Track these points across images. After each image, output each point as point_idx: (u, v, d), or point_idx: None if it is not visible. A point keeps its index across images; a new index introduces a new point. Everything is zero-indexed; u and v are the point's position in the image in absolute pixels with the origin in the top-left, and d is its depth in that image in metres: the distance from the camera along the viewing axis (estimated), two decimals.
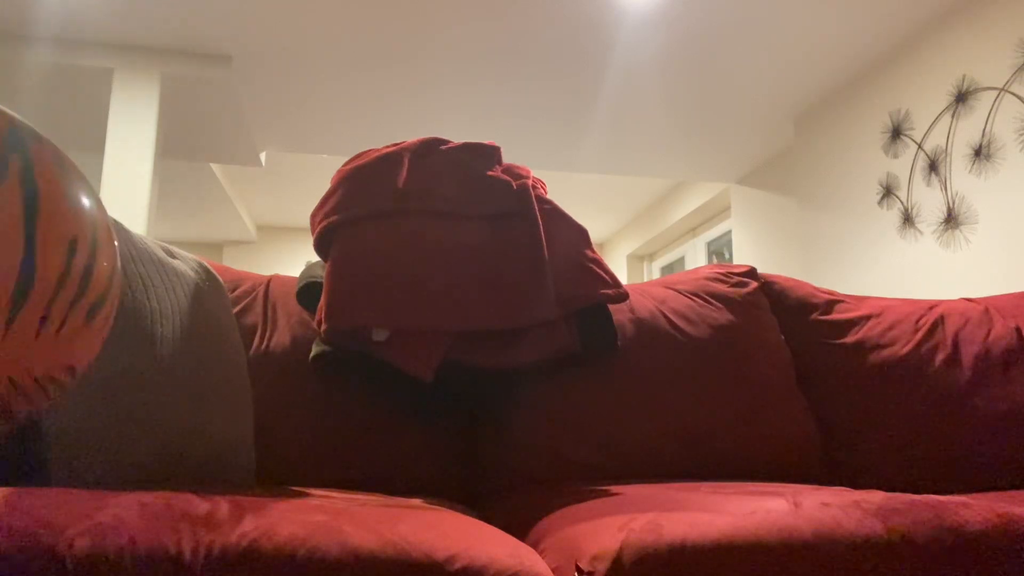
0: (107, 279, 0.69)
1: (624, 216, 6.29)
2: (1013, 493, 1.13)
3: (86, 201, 0.68)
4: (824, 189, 3.61)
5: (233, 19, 3.03)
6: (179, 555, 0.55)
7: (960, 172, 2.79)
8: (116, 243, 0.73)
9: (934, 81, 2.94)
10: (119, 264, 0.74)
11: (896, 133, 3.12)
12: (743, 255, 4.60)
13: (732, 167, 4.53)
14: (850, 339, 1.39)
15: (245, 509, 0.62)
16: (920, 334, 1.41)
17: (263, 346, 1.17)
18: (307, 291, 1.20)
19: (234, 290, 1.23)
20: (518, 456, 1.18)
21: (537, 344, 1.13)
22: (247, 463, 0.96)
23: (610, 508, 0.77)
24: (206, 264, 1.01)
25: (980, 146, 2.71)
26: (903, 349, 1.38)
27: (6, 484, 0.64)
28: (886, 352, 1.37)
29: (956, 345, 1.40)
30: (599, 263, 1.21)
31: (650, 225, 5.98)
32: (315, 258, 4.09)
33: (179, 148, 4.13)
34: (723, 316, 1.34)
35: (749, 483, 1.05)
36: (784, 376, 1.33)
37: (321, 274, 1.19)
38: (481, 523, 0.75)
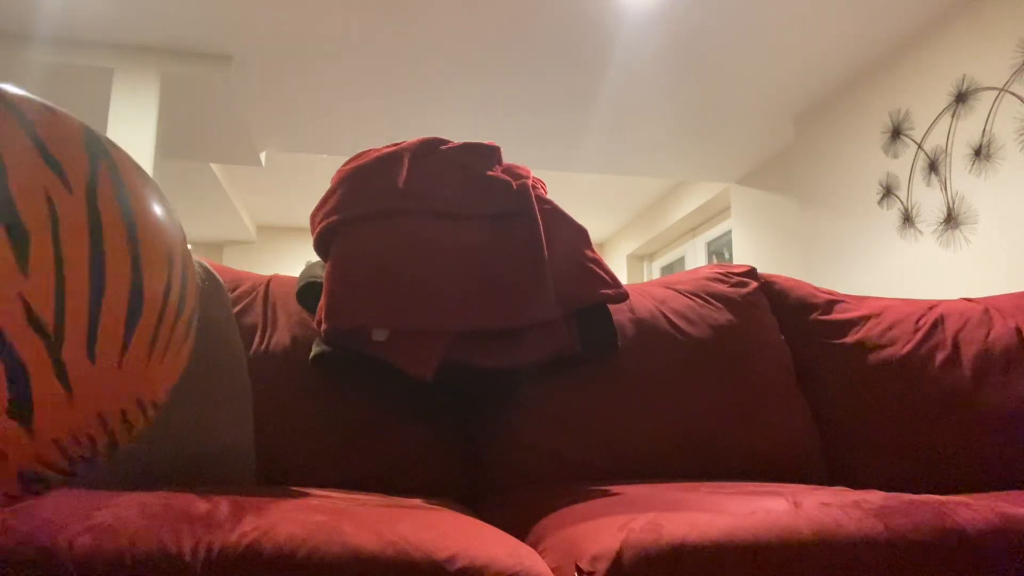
0: (195, 290, 0.67)
1: (624, 216, 6.29)
2: (1013, 493, 1.13)
3: (165, 210, 0.64)
4: (824, 189, 3.61)
5: (233, 19, 3.03)
6: (179, 555, 0.55)
7: (960, 172, 2.79)
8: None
9: (934, 81, 2.94)
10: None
11: (896, 133, 3.12)
12: (743, 255, 4.60)
13: (732, 167, 4.53)
14: (850, 339, 1.39)
15: (245, 509, 0.62)
16: (920, 334, 1.41)
17: (263, 346, 1.17)
18: (307, 291, 1.20)
19: (234, 290, 1.23)
20: (518, 456, 1.18)
21: (537, 344, 1.13)
22: (247, 463, 0.96)
23: (610, 508, 0.77)
24: (206, 264, 1.01)
25: (980, 146, 2.71)
26: (903, 349, 1.38)
27: None
28: (886, 352, 1.37)
29: (956, 345, 1.40)
30: (599, 263, 1.21)
31: (650, 225, 5.98)
32: (315, 258, 4.09)
33: (179, 148, 4.13)
34: (723, 316, 1.34)
35: (749, 483, 1.05)
36: (784, 376, 1.33)
37: (321, 274, 1.19)
38: (481, 523, 0.75)
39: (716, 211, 5.27)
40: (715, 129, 4.01)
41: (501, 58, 3.30)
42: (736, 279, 1.43)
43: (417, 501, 0.91)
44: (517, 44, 3.19)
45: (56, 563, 0.53)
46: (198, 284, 0.77)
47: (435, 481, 1.16)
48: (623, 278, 6.51)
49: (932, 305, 1.50)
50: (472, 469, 1.21)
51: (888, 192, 3.16)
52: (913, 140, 3.03)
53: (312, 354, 1.13)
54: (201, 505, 0.61)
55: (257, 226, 6.66)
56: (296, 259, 6.68)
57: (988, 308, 1.49)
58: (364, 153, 1.17)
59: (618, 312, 1.30)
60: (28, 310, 0.51)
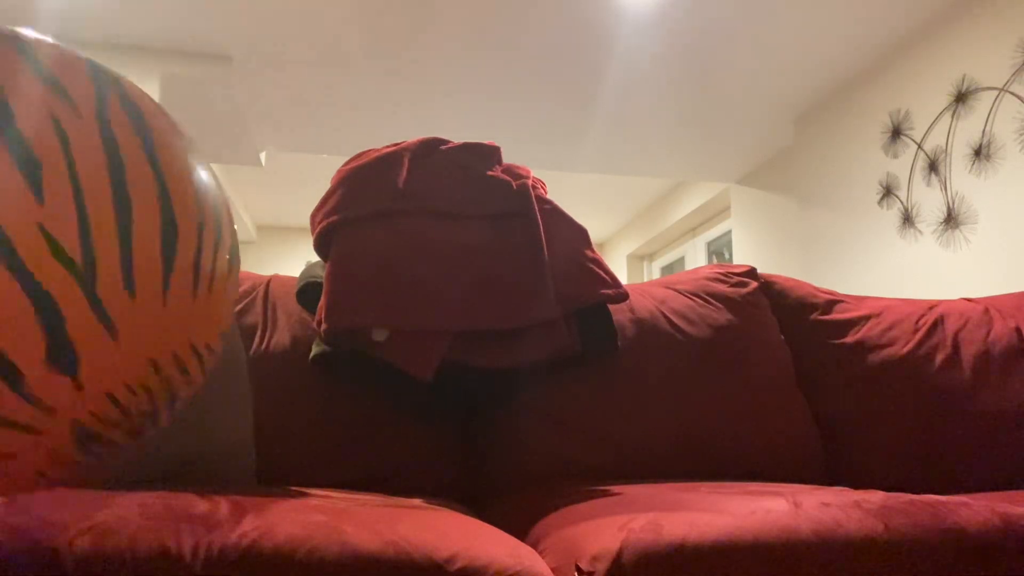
0: (231, 221, 0.62)
1: (624, 216, 6.29)
2: (1013, 493, 1.13)
3: (185, 138, 0.60)
4: (824, 189, 3.61)
5: (233, 19, 3.03)
6: (179, 555, 0.55)
7: (960, 172, 2.79)
8: None
9: (934, 81, 2.94)
10: None
11: (896, 133, 3.12)
12: (743, 255, 4.60)
13: (732, 167, 4.53)
14: (850, 339, 1.39)
15: (245, 509, 0.62)
16: (920, 334, 1.41)
17: (263, 346, 1.17)
18: (307, 291, 1.20)
19: None
20: (518, 456, 1.18)
21: (537, 344, 1.13)
22: (247, 463, 0.97)
23: (610, 508, 0.77)
24: None
25: (980, 146, 2.71)
26: (903, 349, 1.38)
27: None
28: (886, 352, 1.37)
29: (956, 345, 1.40)
30: (599, 263, 1.21)
31: (650, 225, 5.98)
32: (315, 258, 4.08)
33: None
34: (723, 316, 1.34)
35: (749, 483, 1.05)
36: (784, 376, 1.33)
37: (321, 274, 1.19)
38: (481, 523, 0.75)
39: (716, 211, 5.27)
40: (715, 129, 4.01)
41: (501, 58, 3.30)
42: (736, 279, 1.43)
43: (417, 501, 0.91)
44: (518, 45, 3.19)
45: (56, 563, 0.53)
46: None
47: (435, 481, 1.16)
48: (623, 278, 6.51)
49: (932, 305, 1.50)
50: (472, 469, 1.21)
51: (888, 192, 3.16)
52: (913, 140, 3.03)
53: (312, 354, 1.13)
54: (201, 505, 0.61)
55: (257, 226, 6.66)
56: (296, 259, 6.68)
57: (988, 308, 1.49)
58: (364, 153, 1.17)
59: (618, 312, 1.30)
60: (50, 240, 0.47)
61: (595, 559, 0.64)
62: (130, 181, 0.51)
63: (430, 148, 1.17)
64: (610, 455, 1.18)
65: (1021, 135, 2.55)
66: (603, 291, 1.18)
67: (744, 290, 1.41)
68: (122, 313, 0.50)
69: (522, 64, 3.36)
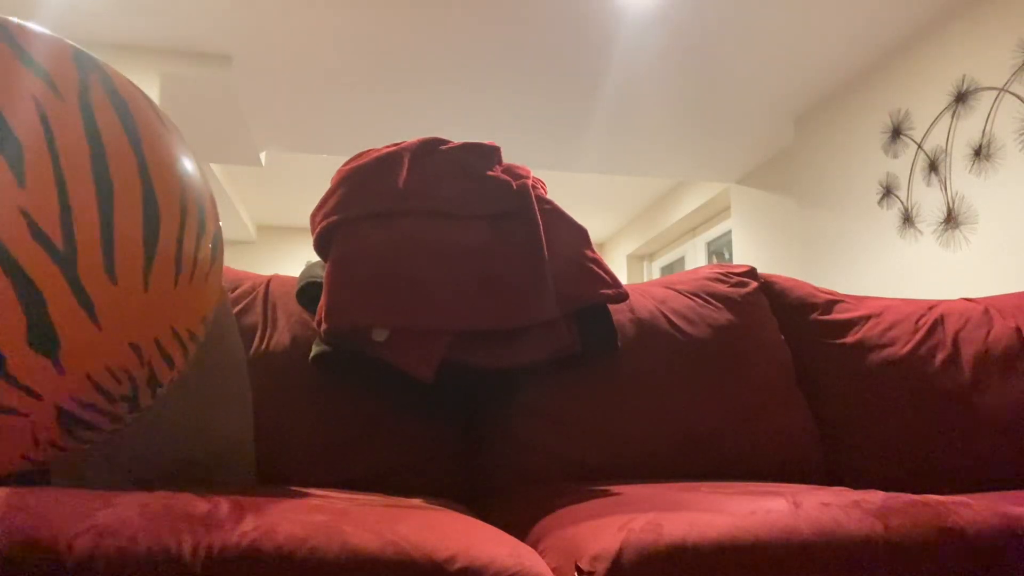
0: (215, 209, 0.62)
1: (624, 216, 6.29)
2: (1013, 493, 1.13)
3: (167, 124, 0.60)
4: (824, 189, 3.61)
5: (233, 19, 3.03)
6: (179, 555, 0.55)
7: (960, 172, 2.79)
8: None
9: (934, 81, 2.94)
10: None
11: (896, 133, 3.12)
12: (743, 255, 4.60)
13: (732, 167, 4.53)
14: (850, 339, 1.39)
15: (245, 509, 0.62)
16: (920, 334, 1.41)
17: (263, 346, 1.17)
18: (307, 291, 1.20)
19: (234, 290, 1.23)
20: (518, 456, 1.18)
21: (537, 344, 1.13)
22: (247, 463, 0.96)
23: (610, 508, 0.77)
24: None
25: (980, 146, 2.71)
26: (903, 349, 1.38)
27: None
28: (886, 352, 1.37)
29: (956, 345, 1.40)
30: (599, 263, 1.21)
31: (650, 225, 5.98)
32: (315, 258, 4.09)
33: None
34: (723, 316, 1.34)
35: (749, 483, 1.05)
36: (784, 376, 1.33)
37: (321, 274, 1.19)
38: (481, 523, 0.75)
39: (716, 211, 5.27)
40: (715, 129, 4.01)
41: (501, 58, 3.30)
42: (736, 279, 1.43)
43: (417, 501, 0.91)
44: (517, 44, 3.19)
45: (56, 563, 0.53)
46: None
47: (435, 481, 1.16)
48: (623, 278, 6.51)
49: (932, 305, 1.50)
50: (472, 469, 1.21)
51: (888, 192, 3.16)
52: (913, 140, 3.03)
53: (312, 354, 1.13)
54: (201, 505, 0.61)
55: (257, 226, 6.66)
56: (296, 259, 6.68)
57: (988, 308, 1.49)
58: (364, 153, 1.17)
59: (618, 312, 1.30)
60: (31, 223, 0.47)
61: (595, 559, 0.64)
62: (112, 166, 0.52)
63: (430, 148, 1.17)
64: (610, 455, 1.18)
65: (1021, 135, 2.55)
66: (603, 291, 1.18)
67: (744, 290, 1.41)
68: (103, 297, 0.50)
69: (522, 64, 3.35)
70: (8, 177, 0.47)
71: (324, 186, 5.55)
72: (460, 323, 1.07)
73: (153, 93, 3.29)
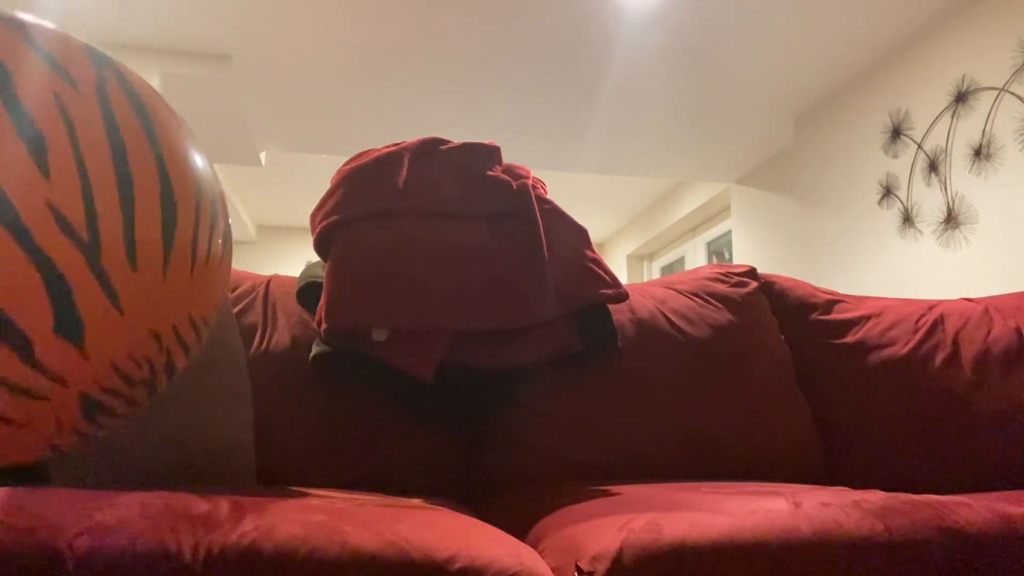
0: (225, 207, 0.64)
1: (624, 216, 6.29)
2: (1013, 493, 1.13)
3: (177, 119, 0.62)
4: (824, 189, 3.61)
5: (233, 19, 3.03)
6: (179, 555, 0.55)
7: (960, 172, 2.79)
8: None
9: (934, 81, 2.94)
10: None
11: (896, 133, 3.12)
12: (743, 255, 4.60)
13: (732, 167, 4.53)
14: (850, 339, 1.39)
15: (245, 509, 0.62)
16: (920, 334, 1.41)
17: (263, 346, 1.17)
18: (307, 291, 1.20)
19: (234, 290, 1.23)
20: (518, 456, 1.18)
21: (537, 344, 1.13)
22: (247, 463, 0.97)
23: (610, 508, 0.77)
24: None
25: (980, 146, 2.71)
26: (903, 349, 1.38)
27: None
28: (886, 352, 1.37)
29: (956, 345, 1.40)
30: (599, 263, 1.21)
31: (650, 225, 5.98)
32: (315, 258, 4.09)
33: None
34: (723, 316, 1.34)
35: (749, 483, 1.05)
36: (784, 376, 1.33)
37: (321, 274, 1.19)
38: (481, 523, 0.75)
39: (716, 211, 5.27)
40: (715, 129, 4.01)
41: (501, 58, 3.30)
42: (736, 279, 1.43)
43: (417, 501, 0.91)
44: (517, 44, 3.19)
45: (56, 563, 0.53)
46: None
47: (435, 481, 1.16)
48: (623, 278, 6.51)
49: (932, 305, 1.50)
50: (472, 469, 1.21)
51: (888, 192, 3.16)
52: (913, 140, 3.03)
53: (312, 354, 1.13)
54: (201, 505, 0.61)
55: (257, 226, 6.66)
56: (296, 259, 6.68)
57: (988, 308, 1.49)
58: (364, 153, 1.17)
59: (618, 312, 1.30)
60: (57, 216, 0.49)
61: (595, 559, 0.64)
62: (131, 159, 0.53)
63: (430, 148, 1.17)
64: (610, 455, 1.18)
65: (1021, 135, 2.55)
66: (603, 291, 1.18)
67: (744, 290, 1.41)
68: (126, 286, 0.52)
69: (522, 64, 3.35)
70: (33, 170, 0.49)
71: (324, 186, 5.55)
72: (460, 323, 1.07)
73: None
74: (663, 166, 4.56)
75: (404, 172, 1.13)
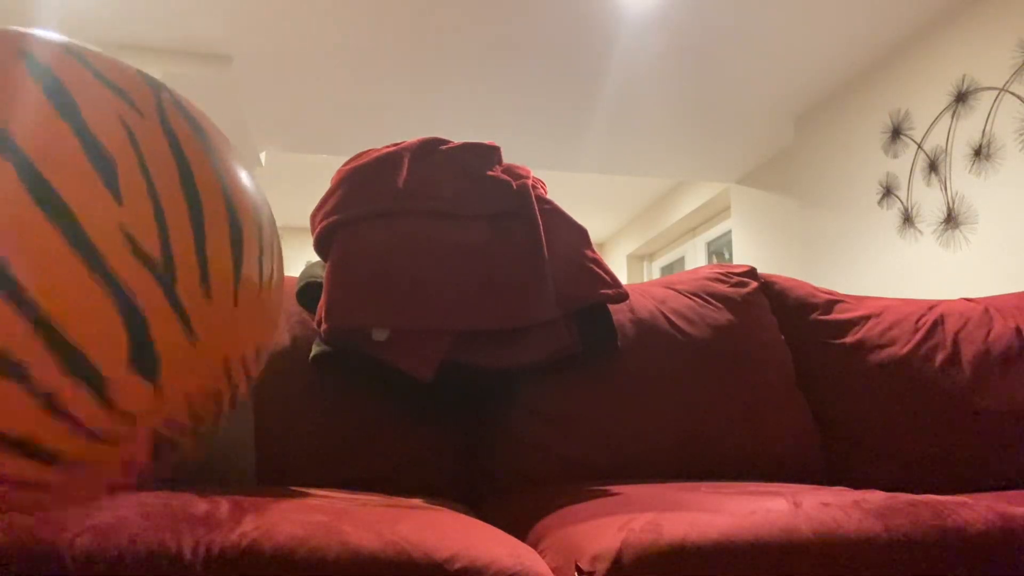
0: (275, 226, 0.61)
1: (624, 216, 6.29)
2: (1013, 493, 1.13)
3: (227, 142, 0.60)
4: (824, 189, 3.61)
5: (233, 19, 3.03)
6: (179, 555, 0.55)
7: (960, 172, 2.79)
8: None
9: (934, 81, 2.94)
10: None
11: (896, 133, 3.12)
12: (743, 255, 4.60)
13: (732, 167, 4.53)
14: (850, 339, 1.39)
15: (245, 509, 0.62)
16: (920, 334, 1.41)
17: None
18: (307, 291, 1.20)
19: None
20: (518, 456, 1.18)
21: (537, 344, 1.13)
22: (247, 463, 0.97)
23: (610, 508, 0.77)
24: None
25: (980, 146, 2.71)
26: (903, 349, 1.38)
27: None
28: (886, 352, 1.37)
29: (956, 345, 1.40)
30: (599, 263, 1.21)
31: (650, 225, 5.98)
32: (315, 258, 4.08)
33: None
34: (723, 316, 1.34)
35: (749, 483, 1.05)
36: (784, 376, 1.33)
37: (321, 274, 1.19)
38: (481, 523, 0.75)
39: (716, 211, 5.27)
40: (715, 129, 4.01)
41: (501, 58, 3.30)
42: (736, 279, 1.43)
43: (417, 501, 0.91)
44: (517, 44, 3.19)
45: (56, 562, 0.53)
46: None
47: (435, 481, 1.16)
48: (623, 278, 6.51)
49: (932, 305, 1.50)
50: (472, 469, 1.21)
51: (888, 192, 3.16)
52: (913, 140, 3.03)
53: (312, 354, 1.13)
54: (201, 505, 0.61)
55: None
56: (296, 259, 6.68)
57: (988, 308, 1.49)
58: (364, 153, 1.17)
59: (618, 312, 1.30)
60: (131, 240, 0.46)
61: (595, 559, 0.64)
62: (197, 179, 0.51)
63: (430, 148, 1.17)
64: (610, 455, 1.18)
65: (1021, 135, 2.55)
66: (603, 291, 1.18)
67: (744, 290, 1.41)
68: (199, 314, 0.49)
69: (522, 64, 3.35)
70: (105, 195, 0.46)
71: (324, 186, 5.54)
72: (460, 323, 1.07)
73: None
74: (663, 166, 4.56)
75: (404, 172, 1.13)
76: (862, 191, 3.33)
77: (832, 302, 1.45)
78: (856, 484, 1.29)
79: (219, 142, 0.55)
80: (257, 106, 3.78)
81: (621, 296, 1.19)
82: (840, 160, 3.50)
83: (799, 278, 3.69)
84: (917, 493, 0.80)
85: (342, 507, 0.68)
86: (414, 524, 0.63)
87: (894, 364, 1.36)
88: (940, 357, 1.38)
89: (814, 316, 1.43)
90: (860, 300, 1.49)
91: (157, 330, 0.47)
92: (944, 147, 2.87)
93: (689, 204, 5.32)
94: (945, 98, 2.88)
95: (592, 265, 1.19)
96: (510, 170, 1.20)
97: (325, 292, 1.06)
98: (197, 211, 0.49)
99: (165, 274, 0.48)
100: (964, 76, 2.80)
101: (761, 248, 4.43)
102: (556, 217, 1.20)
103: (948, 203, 2.84)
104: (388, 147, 1.17)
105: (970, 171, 2.75)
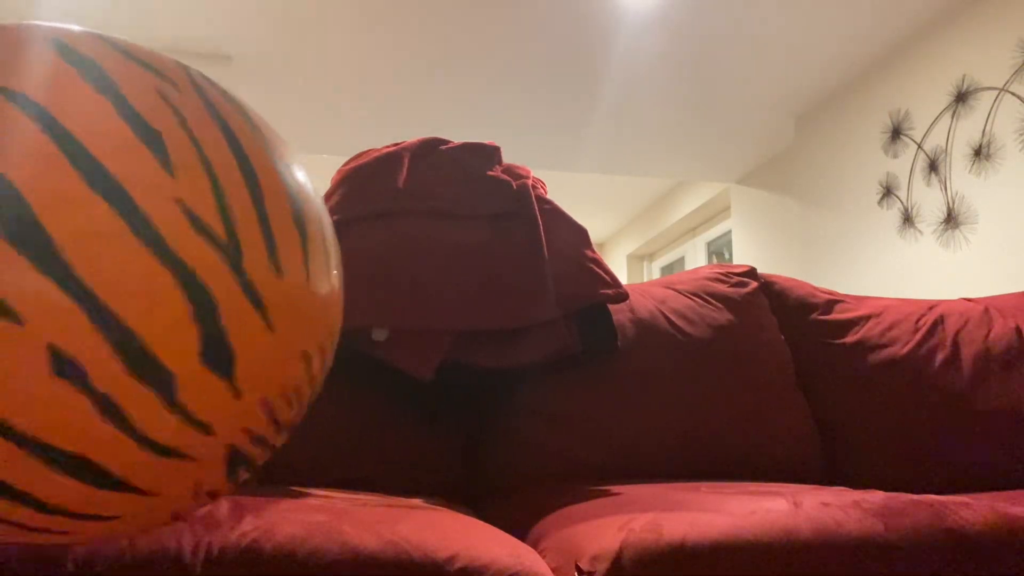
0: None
1: (624, 216, 6.29)
2: (1013, 493, 1.13)
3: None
4: (824, 189, 3.61)
5: (233, 19, 3.03)
6: (179, 555, 0.55)
7: (960, 172, 2.79)
8: None
9: (934, 81, 2.94)
10: None
11: (896, 133, 3.12)
12: (743, 255, 4.60)
13: (732, 167, 4.52)
14: (850, 339, 1.39)
15: (245, 509, 0.62)
16: (920, 334, 1.41)
17: None
18: None
19: None
20: (518, 456, 1.18)
21: (537, 344, 1.13)
22: None
23: (610, 508, 0.77)
24: None
25: (980, 146, 2.71)
26: (903, 349, 1.38)
27: None
28: (886, 352, 1.37)
29: (956, 345, 1.40)
30: (599, 263, 1.21)
31: (650, 225, 5.98)
32: None
33: None
34: (723, 316, 1.34)
35: (749, 483, 1.05)
36: (784, 376, 1.33)
37: None
38: (481, 523, 0.75)
39: (716, 211, 5.27)
40: (715, 129, 4.01)
41: (501, 58, 3.30)
42: (736, 279, 1.43)
43: (417, 501, 0.91)
44: (517, 44, 3.19)
45: (56, 563, 0.53)
46: None
47: (435, 481, 1.16)
48: (623, 278, 6.51)
49: (932, 305, 1.50)
50: (472, 469, 1.21)
51: (888, 192, 3.16)
52: (913, 140, 3.03)
53: None
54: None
55: None
56: None
57: (988, 308, 1.49)
58: (364, 153, 1.17)
59: (618, 312, 1.30)
60: (189, 214, 0.40)
61: (595, 559, 0.64)
62: (249, 151, 0.45)
63: (430, 148, 1.17)
64: (610, 455, 1.18)
65: (1021, 135, 2.55)
66: (603, 291, 1.18)
67: (744, 290, 1.41)
68: (272, 295, 0.42)
69: (522, 64, 3.35)
70: (155, 166, 0.41)
71: (324, 186, 5.53)
72: (460, 323, 1.07)
73: None
74: (663, 166, 4.56)
75: (404, 172, 1.13)
76: (862, 191, 3.33)
77: (832, 302, 1.45)
78: (856, 484, 1.29)
79: (254, 115, 0.52)
80: (257, 106, 3.78)
81: (621, 296, 1.19)
82: (840, 160, 3.50)
83: (799, 278, 3.68)
84: (917, 493, 0.80)
85: (342, 507, 0.68)
86: (414, 524, 0.63)
87: (894, 364, 1.36)
88: (940, 357, 1.38)
89: (814, 316, 1.43)
90: (860, 300, 1.49)
91: (228, 315, 0.40)
92: (944, 147, 2.87)
93: (689, 204, 5.32)
94: (945, 98, 2.88)
95: (592, 265, 1.19)
96: (510, 170, 1.20)
97: None
98: (254, 183, 0.44)
99: (230, 250, 0.41)
100: (964, 76, 2.80)
101: (761, 248, 4.43)
102: (556, 217, 1.20)
103: (948, 203, 2.84)
104: (388, 147, 1.17)
105: (970, 171, 2.75)
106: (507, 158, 1.23)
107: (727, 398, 1.26)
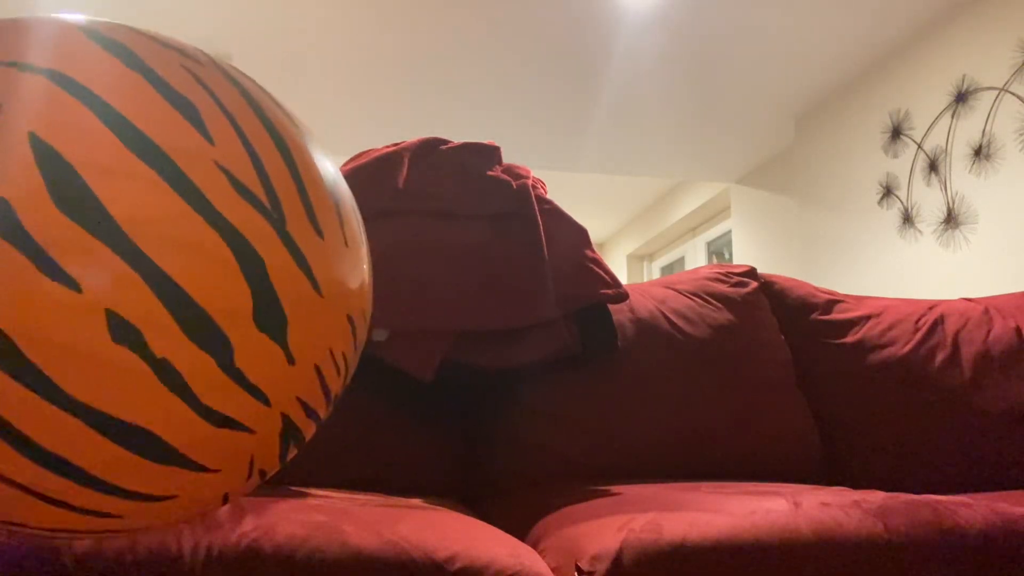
0: None
1: (624, 216, 6.29)
2: (1013, 493, 1.13)
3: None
4: (824, 189, 3.61)
5: (233, 19, 3.03)
6: (179, 555, 0.55)
7: (960, 172, 2.79)
8: None
9: (934, 81, 2.94)
10: None
11: (896, 133, 3.12)
12: (743, 255, 4.60)
13: (732, 167, 4.52)
14: (850, 339, 1.39)
15: (245, 509, 0.62)
16: (920, 334, 1.41)
17: None
18: None
19: None
20: (518, 456, 1.18)
21: (537, 344, 1.13)
22: None
23: (610, 508, 0.77)
24: None
25: (980, 146, 2.71)
26: (903, 349, 1.38)
27: None
28: (886, 352, 1.37)
29: (956, 345, 1.40)
30: (599, 263, 1.21)
31: (650, 225, 5.98)
32: None
33: None
34: (723, 316, 1.34)
35: (749, 483, 1.06)
36: (784, 376, 1.33)
37: None
38: (481, 523, 0.75)
39: (716, 211, 5.27)
40: (715, 129, 4.01)
41: (501, 57, 3.30)
42: (736, 279, 1.43)
43: (417, 501, 0.91)
44: (517, 44, 3.19)
45: (56, 563, 0.53)
46: None
47: (435, 481, 1.16)
48: (623, 278, 6.51)
49: (932, 305, 1.50)
50: (472, 469, 1.21)
51: (888, 192, 3.16)
52: (913, 140, 3.03)
53: None
54: None
55: None
56: None
57: (988, 308, 1.49)
58: (364, 153, 1.17)
59: (618, 312, 1.30)
60: (231, 178, 0.41)
61: (595, 559, 0.64)
62: (275, 121, 0.46)
63: (430, 148, 1.17)
64: (610, 455, 1.18)
65: (1021, 135, 2.55)
66: (603, 291, 1.18)
67: (744, 290, 1.41)
68: (316, 256, 0.43)
69: (522, 64, 3.35)
70: (193, 133, 0.42)
71: None
72: (460, 323, 1.07)
73: None
74: (663, 166, 4.56)
75: (404, 172, 1.13)
76: (862, 191, 3.33)
77: (832, 302, 1.45)
78: (856, 484, 1.29)
79: (273, 96, 0.53)
80: None
81: (621, 296, 1.19)
82: (840, 160, 3.50)
83: (799, 278, 3.68)
84: (917, 493, 0.80)
85: (342, 507, 0.68)
86: (414, 524, 0.63)
87: (894, 364, 1.36)
88: (940, 357, 1.38)
89: (814, 316, 1.43)
90: (860, 300, 1.49)
91: (277, 275, 0.40)
92: (944, 147, 2.87)
93: (689, 204, 5.32)
94: (945, 98, 2.88)
95: (592, 265, 1.19)
96: (510, 170, 1.20)
97: None
98: (285, 150, 0.45)
99: (273, 212, 0.42)
100: (964, 76, 2.80)
101: (761, 248, 4.43)
102: (556, 217, 1.20)
103: (948, 203, 2.84)
104: (388, 147, 1.17)
105: (970, 171, 2.75)
106: (507, 158, 1.23)
107: (727, 398, 1.26)
